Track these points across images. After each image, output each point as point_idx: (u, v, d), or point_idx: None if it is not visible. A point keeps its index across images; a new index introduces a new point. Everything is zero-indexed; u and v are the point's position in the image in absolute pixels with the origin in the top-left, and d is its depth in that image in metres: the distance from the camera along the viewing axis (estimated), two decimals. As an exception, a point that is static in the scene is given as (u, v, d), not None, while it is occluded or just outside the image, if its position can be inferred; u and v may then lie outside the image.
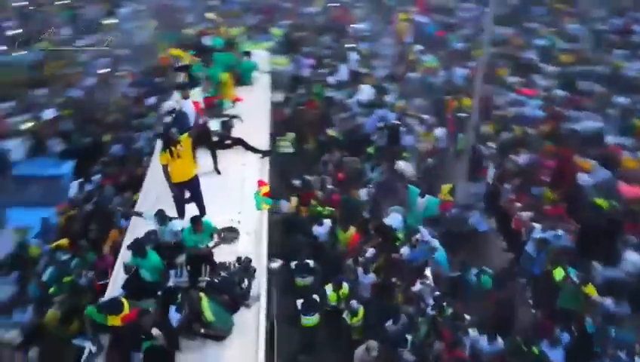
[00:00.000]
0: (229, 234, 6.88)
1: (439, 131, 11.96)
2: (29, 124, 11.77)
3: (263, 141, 9.18)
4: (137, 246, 5.97)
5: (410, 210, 9.41)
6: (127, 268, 6.12)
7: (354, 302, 7.51)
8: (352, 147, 11.56)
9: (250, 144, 8.66)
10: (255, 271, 6.12)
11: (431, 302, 7.53)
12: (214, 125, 8.40)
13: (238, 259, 6.31)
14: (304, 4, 19.23)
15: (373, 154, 11.36)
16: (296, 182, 10.27)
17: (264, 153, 8.75)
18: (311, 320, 7.59)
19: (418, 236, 8.39)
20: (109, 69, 14.43)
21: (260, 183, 7.92)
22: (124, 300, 5.31)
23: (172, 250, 6.21)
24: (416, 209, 9.35)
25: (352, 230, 8.71)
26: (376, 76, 14.26)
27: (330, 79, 13.82)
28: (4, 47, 14.56)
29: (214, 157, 8.09)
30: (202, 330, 5.46)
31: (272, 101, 11.10)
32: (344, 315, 7.61)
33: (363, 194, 10.08)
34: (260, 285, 6.17)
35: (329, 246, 8.86)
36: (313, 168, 11.03)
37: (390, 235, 8.72)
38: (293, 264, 8.23)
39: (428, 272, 8.18)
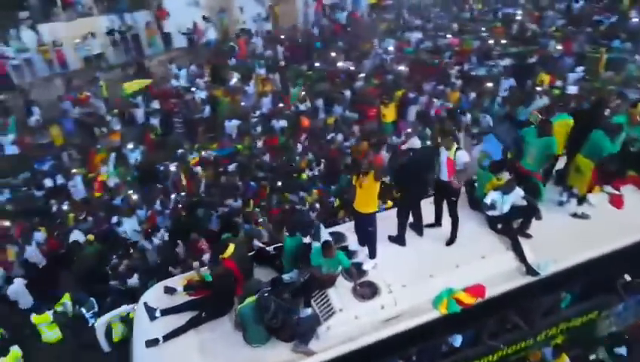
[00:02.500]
0: (363, 290, 6.41)
1: None
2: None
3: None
4: (294, 227, 6.88)
5: None
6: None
7: None
8: None
9: (525, 255, 6.78)
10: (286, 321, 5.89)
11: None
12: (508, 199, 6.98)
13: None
14: None
15: None
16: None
17: (530, 271, 6.70)
18: None
19: None
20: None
21: (473, 291, 6.45)
22: (231, 245, 6.51)
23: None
24: None
25: None
26: None
27: None
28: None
29: (453, 224, 6.99)
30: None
31: None
32: None
33: None
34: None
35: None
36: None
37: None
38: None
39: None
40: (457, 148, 6.68)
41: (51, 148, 14.47)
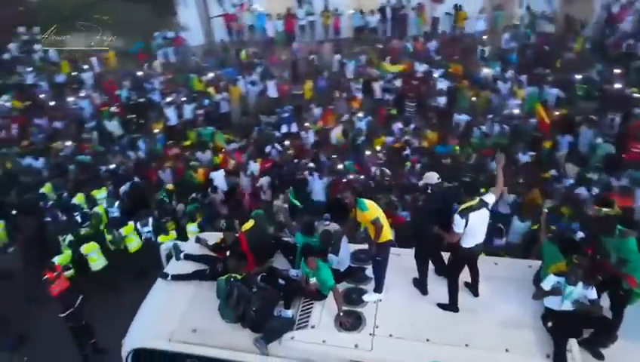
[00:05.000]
0: (345, 318, 5.73)
1: None
2: None
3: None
4: (307, 227, 6.61)
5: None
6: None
7: None
8: None
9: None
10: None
11: None
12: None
13: None
14: None
15: None
16: None
17: None
18: None
19: None
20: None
21: None
22: (251, 221, 6.80)
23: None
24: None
25: None
26: None
27: None
28: None
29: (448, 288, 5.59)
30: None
31: None
32: None
33: None
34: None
35: None
36: None
37: None
38: None
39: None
40: (462, 211, 5.29)
41: (300, 99, 16.55)
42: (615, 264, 5.16)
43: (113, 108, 16.47)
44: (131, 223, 9.83)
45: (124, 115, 16.43)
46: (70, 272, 8.87)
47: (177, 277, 6.75)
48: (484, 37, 18.23)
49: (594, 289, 5.09)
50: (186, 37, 21.06)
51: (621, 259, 5.08)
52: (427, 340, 5.44)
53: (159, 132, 15.27)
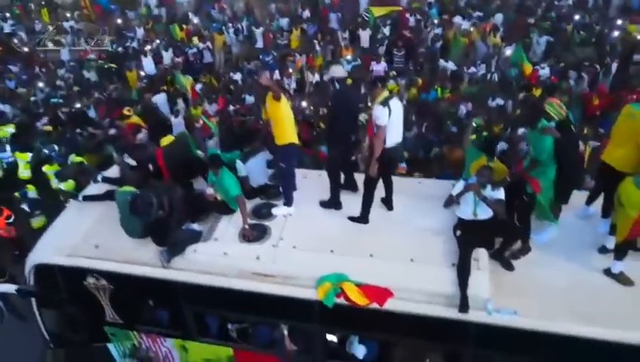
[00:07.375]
0: (249, 231, 5.38)
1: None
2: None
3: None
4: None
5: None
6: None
7: None
8: None
9: (468, 283, 4.51)
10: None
11: None
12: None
13: None
14: None
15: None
16: None
17: (463, 305, 4.45)
18: None
19: None
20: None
21: (372, 292, 4.71)
22: (170, 137, 6.50)
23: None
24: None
25: None
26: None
27: None
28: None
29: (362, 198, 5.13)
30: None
31: None
32: None
33: None
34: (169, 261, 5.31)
35: None
36: None
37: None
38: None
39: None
40: (382, 101, 4.77)
41: (286, 49, 16.06)
42: (527, 166, 4.70)
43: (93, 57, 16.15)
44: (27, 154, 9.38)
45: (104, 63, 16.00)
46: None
47: (88, 198, 6.45)
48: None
49: (502, 190, 4.63)
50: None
51: (534, 159, 4.60)
52: (331, 251, 5.06)
53: (140, 80, 14.78)
